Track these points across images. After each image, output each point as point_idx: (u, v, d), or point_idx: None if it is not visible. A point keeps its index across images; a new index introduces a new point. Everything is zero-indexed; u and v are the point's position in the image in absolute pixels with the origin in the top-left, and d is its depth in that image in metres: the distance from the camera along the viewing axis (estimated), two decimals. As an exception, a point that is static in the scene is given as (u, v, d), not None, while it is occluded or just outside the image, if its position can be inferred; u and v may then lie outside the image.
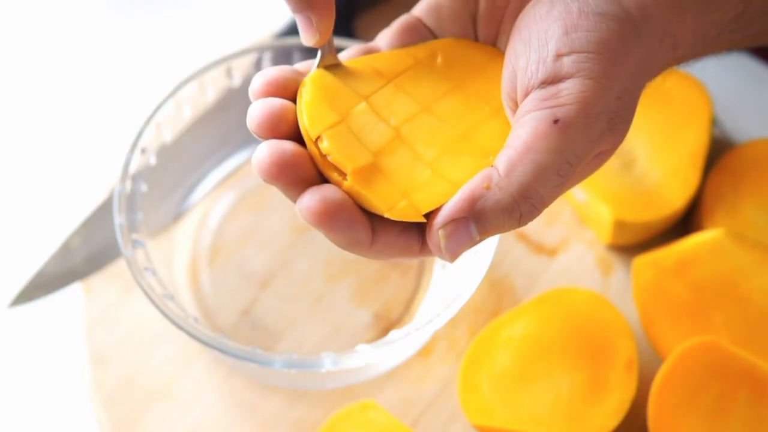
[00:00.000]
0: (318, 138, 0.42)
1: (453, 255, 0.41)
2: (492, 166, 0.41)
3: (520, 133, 0.41)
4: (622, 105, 0.42)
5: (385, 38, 0.48)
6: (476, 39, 0.48)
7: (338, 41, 0.65)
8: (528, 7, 0.45)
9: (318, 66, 0.45)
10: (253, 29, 0.75)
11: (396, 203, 0.42)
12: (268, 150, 0.42)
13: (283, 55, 0.65)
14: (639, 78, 0.43)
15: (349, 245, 0.42)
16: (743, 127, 0.71)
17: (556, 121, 0.41)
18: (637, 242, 0.66)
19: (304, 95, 0.43)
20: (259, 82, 0.44)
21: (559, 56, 0.42)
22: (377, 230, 0.42)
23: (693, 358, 0.57)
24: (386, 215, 0.41)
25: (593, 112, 0.41)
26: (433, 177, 0.43)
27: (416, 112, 0.45)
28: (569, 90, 0.41)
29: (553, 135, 0.41)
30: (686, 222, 0.67)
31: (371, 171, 0.42)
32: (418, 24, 0.48)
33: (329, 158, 0.42)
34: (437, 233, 0.41)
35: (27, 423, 0.64)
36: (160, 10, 0.80)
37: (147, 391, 0.62)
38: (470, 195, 0.40)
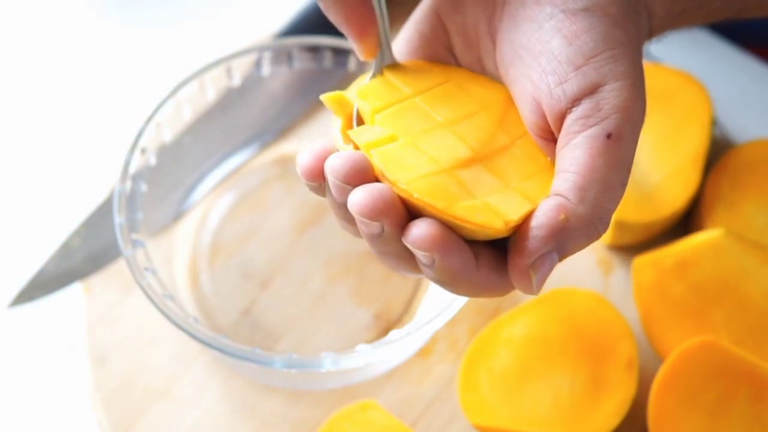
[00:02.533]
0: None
1: (540, 288, 0.41)
2: (555, 195, 0.41)
3: (577, 155, 0.41)
4: (644, 86, 0.43)
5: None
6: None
7: (339, 41, 0.65)
8: (510, 28, 0.44)
9: (374, 71, 0.46)
10: (253, 29, 0.75)
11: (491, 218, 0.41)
12: (365, 192, 0.41)
13: (283, 55, 0.65)
14: (639, 54, 0.44)
15: (462, 268, 0.41)
16: (743, 127, 0.71)
17: (609, 136, 0.41)
18: (637, 242, 0.66)
19: (374, 157, 0.42)
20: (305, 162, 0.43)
21: (577, 68, 0.41)
22: (477, 255, 0.42)
23: (693, 358, 0.57)
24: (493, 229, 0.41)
25: (636, 112, 0.41)
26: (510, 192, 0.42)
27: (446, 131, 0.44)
28: (607, 100, 0.41)
29: (610, 149, 0.41)
30: (686, 222, 0.67)
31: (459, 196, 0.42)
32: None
33: (417, 197, 0.41)
34: (526, 274, 0.40)
35: (27, 423, 0.64)
36: (160, 10, 0.80)
37: (147, 391, 0.62)
38: (551, 229, 0.40)
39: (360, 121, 0.45)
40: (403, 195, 0.41)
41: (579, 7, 0.42)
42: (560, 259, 0.41)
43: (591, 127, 0.41)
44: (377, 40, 0.46)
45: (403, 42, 0.48)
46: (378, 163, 0.41)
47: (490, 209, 0.41)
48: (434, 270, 0.41)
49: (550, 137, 0.44)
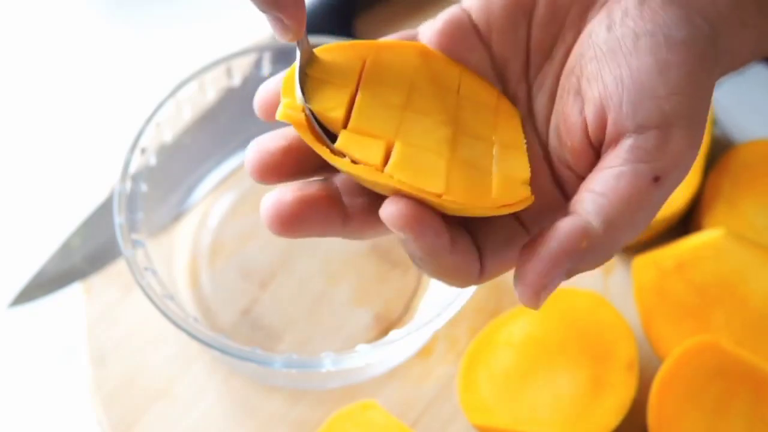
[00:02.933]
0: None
1: (542, 303, 0.40)
2: (580, 213, 0.40)
3: (619, 185, 0.40)
4: (702, 139, 0.42)
5: (428, 33, 0.46)
6: (527, 44, 0.46)
7: (338, 41, 0.65)
8: (603, 25, 0.43)
9: (299, 59, 0.43)
10: (253, 29, 0.75)
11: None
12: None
13: (283, 55, 0.65)
14: (711, 97, 0.43)
15: (435, 250, 0.40)
16: (743, 127, 0.71)
17: (656, 179, 0.40)
18: (637, 242, 0.66)
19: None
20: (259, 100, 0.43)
21: (655, 98, 0.41)
22: (454, 239, 0.41)
23: (693, 358, 0.57)
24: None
25: (688, 163, 0.41)
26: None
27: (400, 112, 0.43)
28: (669, 146, 0.40)
29: (652, 192, 0.40)
30: (686, 222, 0.67)
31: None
32: (466, 21, 0.46)
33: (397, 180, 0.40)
34: (536, 291, 0.39)
35: (27, 423, 0.64)
36: (160, 10, 0.80)
37: (147, 391, 0.62)
38: (569, 252, 0.39)
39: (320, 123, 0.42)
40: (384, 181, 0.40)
41: (680, 39, 0.42)
42: (567, 277, 0.41)
43: (644, 163, 0.40)
44: (304, 16, 0.42)
45: None
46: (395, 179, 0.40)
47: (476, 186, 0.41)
48: (408, 245, 0.40)
49: (594, 144, 0.43)
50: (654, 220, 0.63)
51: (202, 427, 0.61)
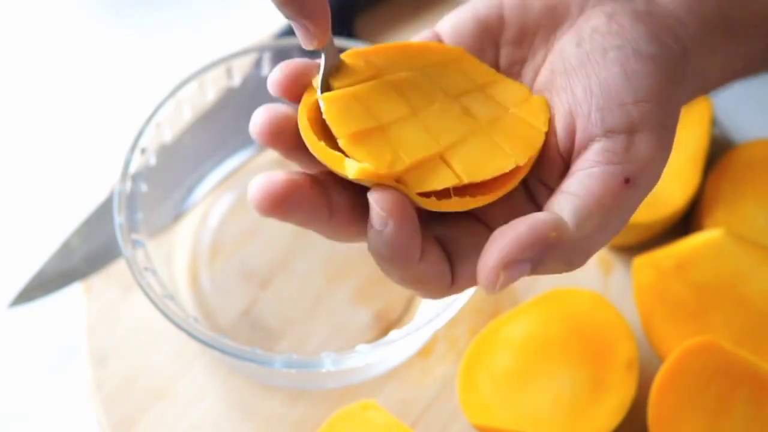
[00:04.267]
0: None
1: (502, 289, 0.40)
2: (554, 213, 0.41)
3: (590, 185, 0.41)
4: (671, 148, 0.44)
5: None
6: (496, 64, 0.47)
7: (338, 41, 0.65)
8: (572, 42, 0.44)
9: (324, 67, 0.44)
10: (253, 29, 0.75)
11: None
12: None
13: (283, 55, 0.65)
14: (679, 114, 0.44)
15: (406, 250, 0.40)
16: (743, 127, 0.71)
17: (627, 181, 0.41)
18: (637, 242, 0.66)
19: (325, 112, 0.42)
20: (280, 74, 0.43)
21: (623, 104, 0.42)
22: (424, 249, 0.41)
23: (693, 358, 0.57)
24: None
25: (658, 168, 0.42)
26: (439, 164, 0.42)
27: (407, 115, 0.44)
28: (638, 146, 0.42)
29: (624, 194, 0.41)
30: (686, 222, 0.67)
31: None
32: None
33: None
34: (494, 271, 0.39)
35: (27, 423, 0.64)
36: (160, 10, 0.80)
37: (147, 391, 0.62)
38: (536, 239, 0.39)
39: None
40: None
41: (648, 53, 0.43)
42: (529, 273, 0.40)
43: (614, 164, 0.41)
44: (329, 24, 0.43)
45: (454, 20, 0.47)
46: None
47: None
48: (380, 237, 0.40)
49: (564, 155, 0.43)
50: (654, 220, 0.64)
51: (202, 427, 0.61)
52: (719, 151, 0.68)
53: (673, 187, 0.65)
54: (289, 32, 0.72)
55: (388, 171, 0.40)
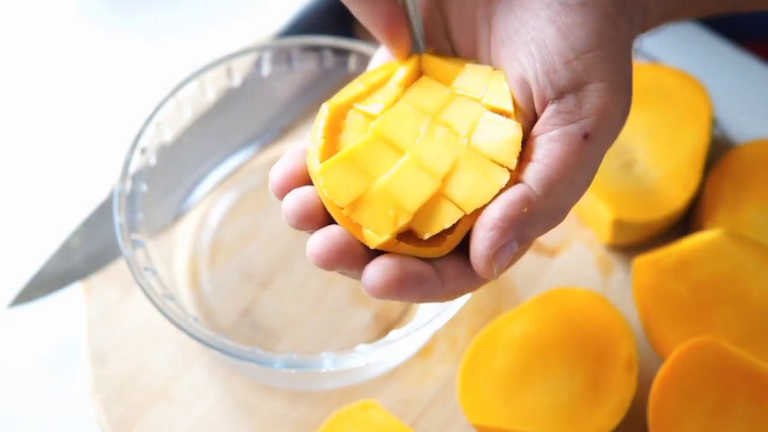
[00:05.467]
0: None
1: (500, 273, 0.42)
2: (522, 182, 0.42)
3: (552, 148, 0.42)
4: (629, 89, 0.43)
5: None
6: (455, 54, 0.48)
7: (339, 41, 0.65)
8: (505, 11, 0.45)
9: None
10: (253, 29, 0.75)
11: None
12: (321, 240, 0.43)
13: (283, 55, 0.65)
14: (630, 52, 0.44)
15: (424, 297, 0.43)
16: (743, 127, 0.71)
17: (586, 136, 0.42)
18: (637, 242, 0.66)
19: (315, 170, 0.44)
20: (277, 177, 0.45)
21: (567, 62, 0.42)
22: (441, 270, 0.43)
23: (693, 358, 0.57)
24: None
25: (615, 115, 0.42)
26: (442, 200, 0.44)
27: (424, 127, 0.45)
28: (589, 100, 0.42)
29: (585, 150, 0.42)
30: (686, 222, 0.67)
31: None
32: None
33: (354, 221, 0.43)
34: (489, 263, 0.41)
35: (27, 423, 0.64)
36: (160, 10, 0.80)
37: (147, 391, 0.62)
38: (512, 219, 0.41)
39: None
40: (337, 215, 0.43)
41: (576, 1, 0.43)
42: (518, 246, 0.42)
43: (570, 123, 0.42)
44: (408, 42, 0.46)
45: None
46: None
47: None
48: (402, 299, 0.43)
49: (533, 118, 0.44)
50: (654, 220, 0.64)
51: (202, 427, 0.61)
52: (719, 151, 0.68)
53: (673, 187, 0.65)
54: (289, 32, 0.72)
55: (393, 228, 0.42)
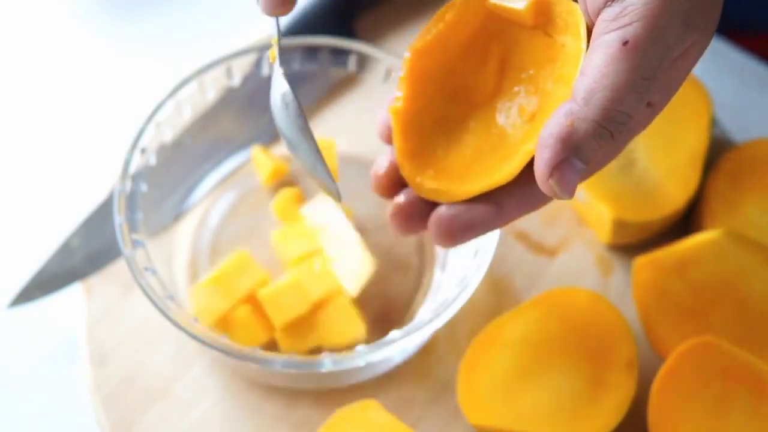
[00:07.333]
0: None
1: (571, 193, 0.43)
2: (571, 97, 0.43)
3: (593, 58, 0.42)
4: (692, 3, 0.43)
5: None
6: None
7: (339, 41, 0.65)
8: None
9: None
10: (253, 29, 0.75)
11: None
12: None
13: (282, 55, 0.65)
14: None
15: (486, 228, 0.48)
16: (743, 127, 0.71)
17: (625, 43, 0.42)
18: (637, 242, 0.66)
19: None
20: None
21: None
22: (501, 203, 0.47)
23: (693, 358, 0.57)
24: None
25: (662, 23, 0.42)
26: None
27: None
28: (633, 6, 0.42)
29: (624, 57, 0.41)
30: (686, 222, 0.67)
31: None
32: None
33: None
34: (548, 183, 0.42)
35: (27, 423, 0.64)
36: (160, 10, 0.80)
37: (147, 390, 0.62)
38: (559, 137, 0.42)
39: None
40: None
41: None
42: (585, 164, 0.42)
43: (612, 31, 0.42)
44: None
45: None
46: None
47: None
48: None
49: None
50: (654, 220, 0.64)
51: (202, 427, 0.61)
52: (719, 151, 0.68)
53: (673, 187, 0.65)
54: (289, 32, 0.72)
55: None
